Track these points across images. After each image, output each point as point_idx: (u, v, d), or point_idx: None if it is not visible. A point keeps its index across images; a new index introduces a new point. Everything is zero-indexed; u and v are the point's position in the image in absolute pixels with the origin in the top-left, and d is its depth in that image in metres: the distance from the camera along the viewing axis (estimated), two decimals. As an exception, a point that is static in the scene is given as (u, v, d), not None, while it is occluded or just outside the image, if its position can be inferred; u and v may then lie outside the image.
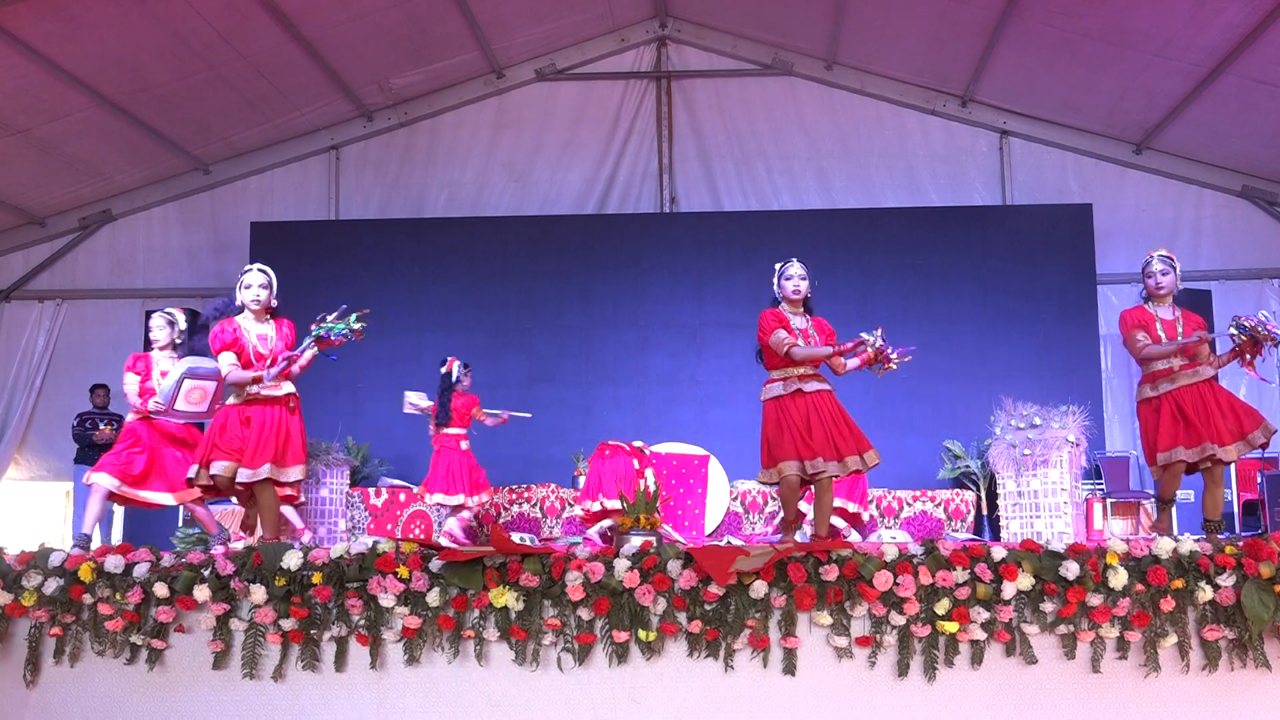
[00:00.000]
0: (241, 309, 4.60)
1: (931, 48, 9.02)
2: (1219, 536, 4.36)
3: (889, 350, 4.77)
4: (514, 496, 7.70)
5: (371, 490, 8.03)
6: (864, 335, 4.74)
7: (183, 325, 5.59)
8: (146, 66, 8.07)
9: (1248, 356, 4.72)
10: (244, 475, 4.33)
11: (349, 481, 7.91)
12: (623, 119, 9.94)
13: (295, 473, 4.47)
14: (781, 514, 4.97)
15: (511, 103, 9.96)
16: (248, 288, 4.57)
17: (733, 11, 9.50)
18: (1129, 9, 7.55)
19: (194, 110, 8.90)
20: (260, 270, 4.65)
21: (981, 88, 9.35)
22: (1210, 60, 7.86)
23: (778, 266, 4.91)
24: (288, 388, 4.53)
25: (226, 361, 4.43)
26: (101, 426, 8.24)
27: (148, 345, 8.89)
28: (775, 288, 4.86)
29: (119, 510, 8.55)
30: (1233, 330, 4.73)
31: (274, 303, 4.65)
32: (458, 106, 9.95)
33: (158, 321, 5.56)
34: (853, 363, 4.78)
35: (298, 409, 4.59)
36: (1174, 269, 4.94)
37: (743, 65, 9.87)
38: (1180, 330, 4.78)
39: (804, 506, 6.81)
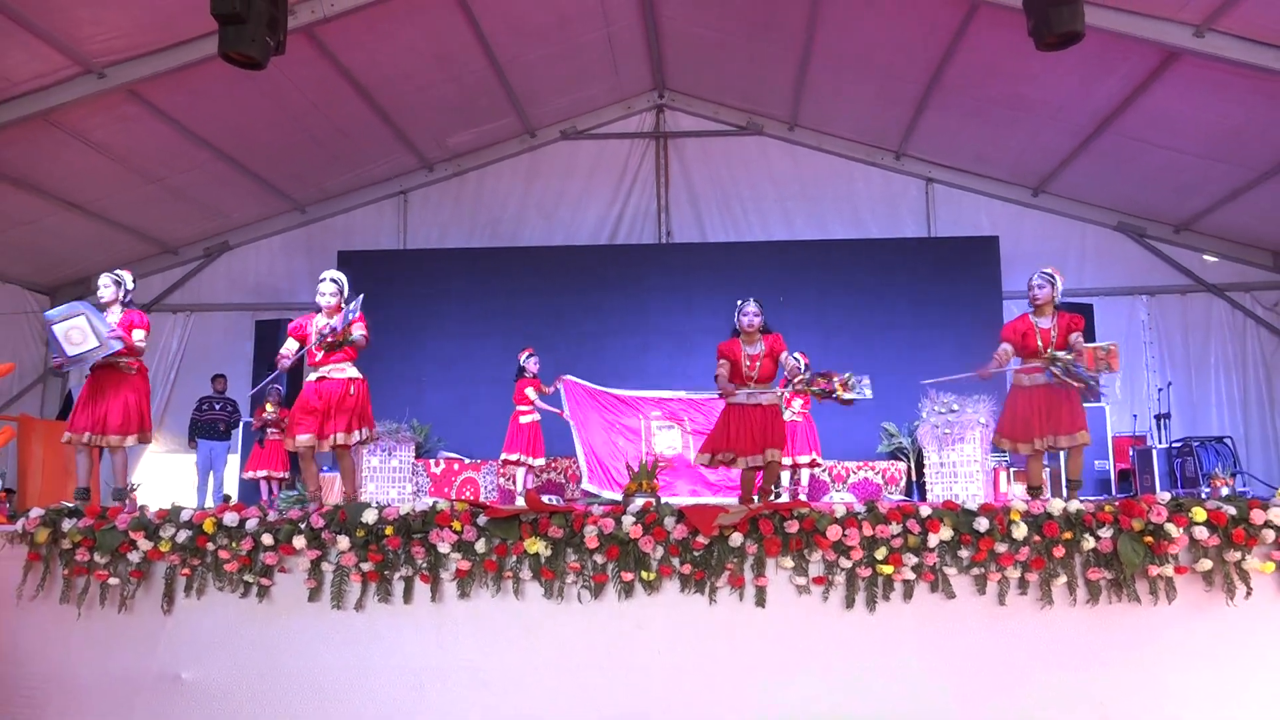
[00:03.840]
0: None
1: (872, 114, 9.01)
2: (1080, 495, 4.30)
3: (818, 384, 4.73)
4: (544, 466, 7.68)
5: (432, 461, 8.04)
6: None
7: (129, 286, 4.87)
8: (256, 129, 8.08)
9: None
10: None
11: (414, 454, 7.93)
12: (629, 170, 9.93)
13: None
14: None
15: (541, 157, 9.96)
16: (321, 295, 4.61)
17: (716, 84, 9.49)
18: (1029, 82, 7.52)
19: (293, 163, 8.91)
20: (333, 279, 4.67)
21: (911, 145, 9.32)
22: (1092, 123, 7.83)
23: (738, 304, 4.82)
24: (351, 371, 4.52)
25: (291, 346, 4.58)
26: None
27: (259, 348, 9.03)
28: (735, 321, 4.79)
29: (232, 477, 8.57)
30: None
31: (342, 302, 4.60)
32: (499, 160, 9.94)
33: (105, 280, 4.83)
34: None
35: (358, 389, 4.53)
36: (1051, 283, 4.65)
37: (724, 127, 9.85)
38: (1054, 336, 4.54)
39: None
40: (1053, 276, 4.70)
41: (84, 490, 4.64)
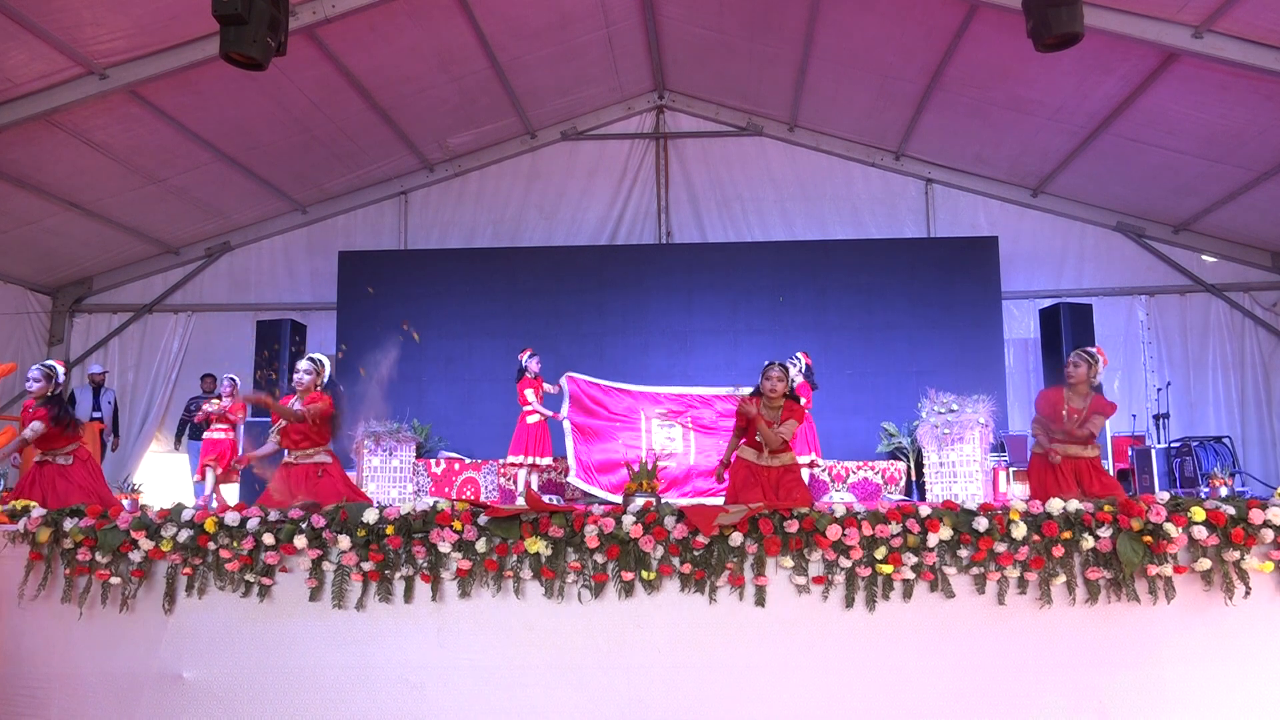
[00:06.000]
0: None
1: (871, 114, 9.01)
2: None
3: None
4: (548, 465, 7.67)
5: (432, 460, 8.04)
6: None
7: (59, 378, 5.08)
8: (257, 130, 8.08)
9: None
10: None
11: (415, 454, 7.93)
12: (629, 170, 9.93)
13: None
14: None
15: (542, 157, 9.96)
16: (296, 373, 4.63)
17: (716, 85, 9.49)
18: (1027, 83, 7.52)
19: (294, 164, 8.91)
20: (309, 359, 4.66)
21: (911, 145, 9.32)
22: (1091, 123, 7.83)
23: (764, 368, 4.62)
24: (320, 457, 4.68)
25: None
26: (205, 407, 8.08)
27: (259, 349, 9.02)
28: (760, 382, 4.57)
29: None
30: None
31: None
32: (499, 160, 9.95)
33: (34, 374, 4.96)
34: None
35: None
36: (1088, 363, 4.38)
37: (724, 128, 9.86)
38: (1080, 417, 4.40)
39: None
40: (1093, 356, 4.49)
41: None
